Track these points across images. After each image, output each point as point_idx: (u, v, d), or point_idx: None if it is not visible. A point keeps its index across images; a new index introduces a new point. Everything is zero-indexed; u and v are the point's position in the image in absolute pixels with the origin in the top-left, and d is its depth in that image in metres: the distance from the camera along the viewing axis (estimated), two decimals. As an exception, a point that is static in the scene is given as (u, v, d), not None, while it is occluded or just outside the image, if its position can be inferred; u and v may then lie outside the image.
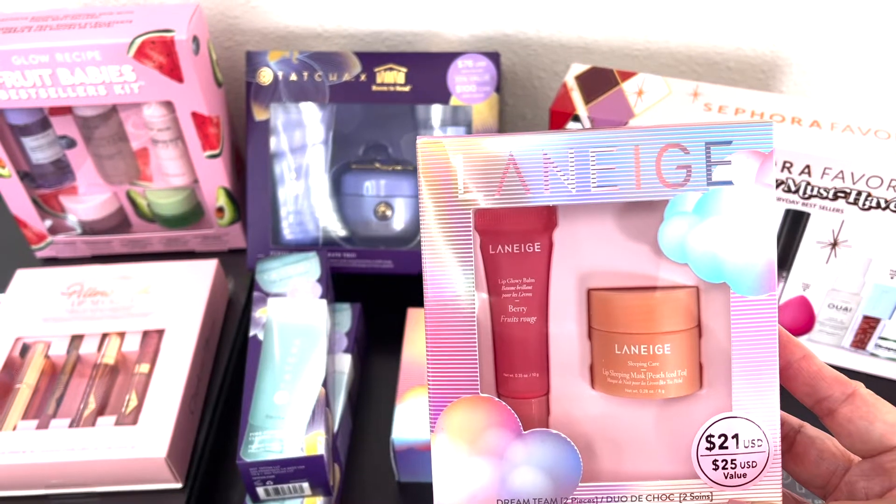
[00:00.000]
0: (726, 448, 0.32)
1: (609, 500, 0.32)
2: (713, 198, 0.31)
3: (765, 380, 0.31)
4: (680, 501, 0.32)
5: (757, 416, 0.32)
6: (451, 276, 0.32)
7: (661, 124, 0.32)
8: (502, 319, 0.34)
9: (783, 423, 0.33)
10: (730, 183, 0.31)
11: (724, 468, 0.32)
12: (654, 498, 0.32)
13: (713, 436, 0.32)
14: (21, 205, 0.69)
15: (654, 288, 0.33)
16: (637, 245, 0.33)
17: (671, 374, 0.32)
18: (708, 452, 0.32)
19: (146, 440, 0.53)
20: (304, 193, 0.67)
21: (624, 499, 0.32)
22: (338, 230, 0.67)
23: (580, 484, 0.32)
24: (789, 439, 0.34)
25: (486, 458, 0.32)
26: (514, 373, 0.34)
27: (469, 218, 0.32)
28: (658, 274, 0.33)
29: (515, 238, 0.33)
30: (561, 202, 0.32)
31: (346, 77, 0.66)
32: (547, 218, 0.33)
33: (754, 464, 0.32)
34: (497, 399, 0.32)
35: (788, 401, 0.32)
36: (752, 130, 0.31)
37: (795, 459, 0.34)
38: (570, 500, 0.32)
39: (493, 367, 0.34)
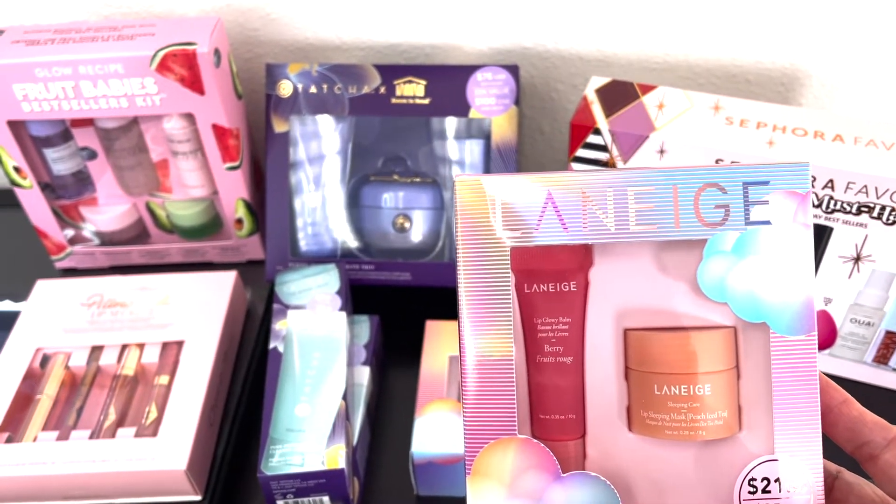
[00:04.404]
0: (769, 492, 0.31)
1: None
2: (751, 237, 0.31)
3: (807, 422, 0.31)
4: None
5: (800, 460, 0.31)
6: (488, 315, 0.32)
7: (698, 165, 0.32)
8: (538, 359, 0.33)
9: None
10: (768, 223, 0.31)
11: None
12: None
13: (755, 479, 0.31)
14: (42, 215, 0.69)
15: (691, 328, 0.33)
16: (675, 283, 0.33)
17: (712, 415, 0.32)
18: (750, 497, 0.32)
19: (166, 452, 0.53)
20: (323, 205, 0.67)
21: None
22: (356, 242, 0.68)
23: None
24: (827, 485, 0.33)
25: (523, 502, 0.32)
26: (549, 414, 0.33)
27: (506, 256, 0.31)
28: (695, 313, 0.33)
29: (551, 277, 0.33)
30: (600, 241, 0.32)
31: (366, 89, 0.66)
32: (583, 257, 0.33)
33: None
34: (535, 441, 0.32)
35: (824, 446, 0.32)
36: (789, 171, 0.31)
37: None
38: None
39: (529, 409, 0.34)
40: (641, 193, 0.31)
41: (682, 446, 0.33)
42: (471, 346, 0.32)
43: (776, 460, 0.31)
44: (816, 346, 0.31)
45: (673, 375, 0.32)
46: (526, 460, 0.32)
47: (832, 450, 0.33)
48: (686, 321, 0.33)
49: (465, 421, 0.32)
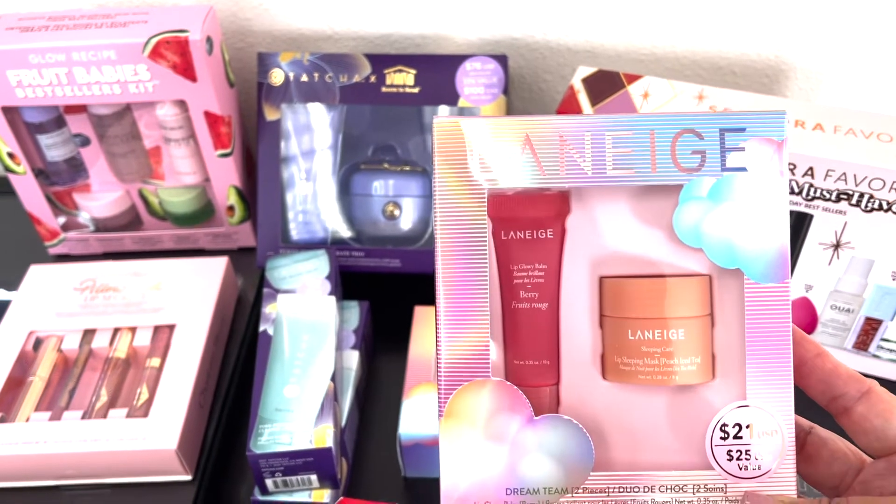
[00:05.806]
0: (740, 438, 0.32)
1: (621, 489, 0.32)
2: (727, 183, 0.31)
3: (779, 369, 0.31)
4: (693, 493, 0.32)
5: (771, 406, 0.31)
6: (464, 259, 0.32)
7: (675, 111, 0.32)
8: (513, 305, 0.34)
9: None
10: (743, 169, 0.31)
11: (738, 459, 0.32)
12: (667, 489, 0.32)
13: (727, 425, 0.32)
14: (35, 202, 0.70)
15: (666, 275, 0.33)
16: (651, 230, 0.33)
17: (685, 360, 0.32)
18: (722, 442, 0.32)
19: (157, 432, 0.54)
20: (314, 193, 0.68)
21: (636, 489, 0.32)
22: (346, 229, 0.68)
23: (592, 473, 0.32)
24: (800, 440, 0.33)
25: (495, 444, 0.32)
26: (524, 360, 0.34)
27: (483, 200, 0.32)
28: (672, 260, 0.33)
29: (528, 224, 0.33)
30: (576, 185, 0.32)
31: (357, 78, 0.67)
32: (560, 204, 0.33)
33: (768, 455, 0.32)
34: (508, 383, 0.32)
35: (798, 402, 0.32)
36: (766, 119, 0.31)
37: (807, 460, 0.33)
38: (581, 490, 0.32)
39: (503, 354, 0.34)
40: (619, 138, 0.31)
41: (655, 393, 0.33)
42: (447, 291, 0.32)
43: (748, 406, 0.32)
44: (790, 295, 0.31)
45: (646, 320, 0.32)
46: (499, 402, 0.32)
47: (806, 404, 0.33)
48: (662, 268, 0.33)
49: (439, 364, 0.32)
